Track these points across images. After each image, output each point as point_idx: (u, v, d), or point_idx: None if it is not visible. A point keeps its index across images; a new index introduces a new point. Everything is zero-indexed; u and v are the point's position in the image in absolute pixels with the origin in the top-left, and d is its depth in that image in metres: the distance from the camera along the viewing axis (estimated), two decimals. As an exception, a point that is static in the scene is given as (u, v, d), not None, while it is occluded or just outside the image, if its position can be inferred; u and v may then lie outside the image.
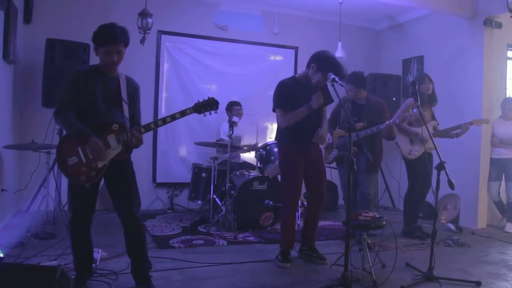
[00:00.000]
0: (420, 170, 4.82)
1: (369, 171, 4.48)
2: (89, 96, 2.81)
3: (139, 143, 2.87)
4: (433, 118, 4.96)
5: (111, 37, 2.77)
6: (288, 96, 3.85)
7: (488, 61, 5.60)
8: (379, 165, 5.02)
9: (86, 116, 2.82)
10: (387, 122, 4.33)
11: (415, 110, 4.29)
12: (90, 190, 2.84)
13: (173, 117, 2.90)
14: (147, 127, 2.89)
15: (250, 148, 6.11)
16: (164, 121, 2.91)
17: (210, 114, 3.02)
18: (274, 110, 3.99)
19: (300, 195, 4.16)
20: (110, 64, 2.84)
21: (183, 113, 2.93)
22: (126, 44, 2.86)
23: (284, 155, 3.98)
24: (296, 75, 4.07)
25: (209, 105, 2.99)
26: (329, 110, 4.36)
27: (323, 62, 3.69)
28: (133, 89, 3.00)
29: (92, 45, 2.87)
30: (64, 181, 4.91)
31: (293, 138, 3.89)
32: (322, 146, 4.30)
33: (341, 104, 4.60)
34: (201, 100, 2.99)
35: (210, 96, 3.01)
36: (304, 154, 3.89)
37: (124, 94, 2.91)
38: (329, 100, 4.02)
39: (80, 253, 2.98)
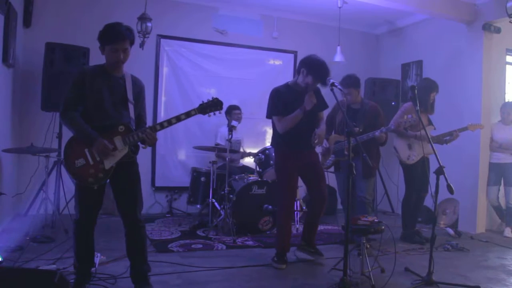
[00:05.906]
0: (417, 175, 4.82)
1: (366, 175, 4.50)
2: (95, 95, 2.82)
3: (153, 141, 2.89)
4: (430, 123, 4.96)
5: (118, 35, 2.80)
6: (282, 102, 3.89)
7: (487, 66, 5.61)
8: (376, 169, 5.01)
9: (92, 117, 2.83)
10: (382, 129, 4.34)
11: (410, 116, 4.30)
12: (97, 190, 2.86)
13: (178, 119, 2.92)
14: (153, 129, 2.90)
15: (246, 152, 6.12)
16: (170, 122, 2.92)
17: (214, 114, 3.05)
18: (268, 117, 4.03)
19: (295, 198, 4.17)
20: (116, 62, 2.85)
21: (188, 114, 2.95)
22: (132, 42, 2.89)
23: (280, 159, 4.03)
24: (289, 82, 4.07)
25: (214, 105, 3.03)
26: (325, 116, 4.36)
27: (313, 65, 3.74)
28: (139, 89, 3.03)
29: (94, 46, 2.88)
30: (66, 185, 4.94)
31: (290, 143, 3.92)
32: (319, 151, 4.30)
33: (336, 108, 4.63)
34: (205, 101, 3.02)
35: (214, 97, 3.05)
36: (300, 158, 3.92)
37: (130, 95, 2.93)
38: (323, 105, 4.04)
39: (83, 254, 2.98)
